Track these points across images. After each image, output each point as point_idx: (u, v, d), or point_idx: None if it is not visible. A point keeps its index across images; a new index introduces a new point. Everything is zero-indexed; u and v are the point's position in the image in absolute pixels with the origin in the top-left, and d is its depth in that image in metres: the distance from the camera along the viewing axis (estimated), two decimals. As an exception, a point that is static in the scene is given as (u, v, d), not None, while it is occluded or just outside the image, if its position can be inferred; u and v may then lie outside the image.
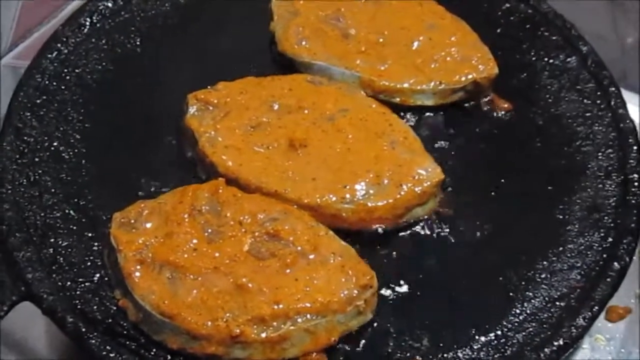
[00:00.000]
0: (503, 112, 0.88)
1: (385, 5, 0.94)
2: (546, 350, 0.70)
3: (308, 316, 0.68)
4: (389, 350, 0.71)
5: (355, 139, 0.81)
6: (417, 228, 0.78)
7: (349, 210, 0.76)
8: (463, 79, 0.87)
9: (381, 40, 0.90)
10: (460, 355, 0.71)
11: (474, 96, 0.89)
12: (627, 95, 1.18)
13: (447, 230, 0.78)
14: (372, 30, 0.91)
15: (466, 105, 0.89)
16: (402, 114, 0.86)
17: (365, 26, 0.91)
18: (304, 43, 0.89)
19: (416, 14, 0.93)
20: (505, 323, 0.72)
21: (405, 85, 0.86)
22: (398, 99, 0.87)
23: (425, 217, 0.79)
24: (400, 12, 0.93)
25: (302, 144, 0.80)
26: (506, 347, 0.71)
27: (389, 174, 0.78)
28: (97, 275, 0.73)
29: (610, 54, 1.41)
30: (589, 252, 0.76)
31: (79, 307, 0.71)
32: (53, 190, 0.79)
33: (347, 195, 0.76)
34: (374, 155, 0.80)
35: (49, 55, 0.89)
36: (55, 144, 0.82)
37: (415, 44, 0.90)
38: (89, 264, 0.74)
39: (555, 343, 0.70)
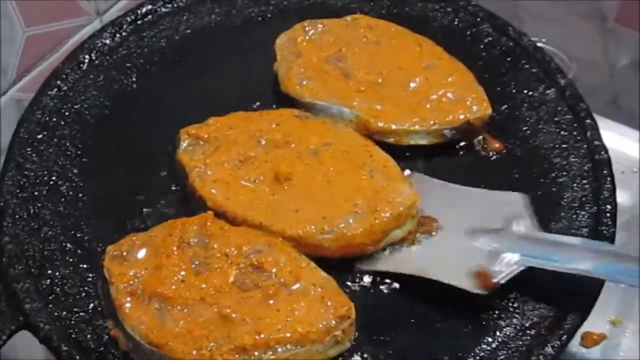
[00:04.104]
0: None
1: (385, 45, 0.96)
2: (516, 377, 0.72)
3: (288, 346, 0.71)
4: (366, 378, 0.74)
5: (336, 171, 0.84)
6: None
7: (329, 239, 0.79)
8: (456, 119, 0.89)
9: (380, 80, 0.92)
10: (434, 381, 0.74)
11: (468, 136, 0.90)
12: (619, 117, 1.22)
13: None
14: (371, 70, 0.93)
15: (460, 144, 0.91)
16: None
17: (365, 66, 0.94)
18: (305, 83, 0.91)
19: (414, 55, 0.95)
20: (477, 351, 0.75)
21: (400, 127, 0.88)
22: (392, 139, 0.88)
23: (405, 239, 0.81)
24: (399, 53, 0.95)
25: (287, 177, 0.82)
26: (478, 374, 0.74)
27: (365, 201, 0.81)
28: (91, 305, 0.77)
29: (601, 77, 1.45)
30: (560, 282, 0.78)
31: (73, 336, 0.74)
32: (51, 223, 0.83)
33: (326, 226, 0.79)
34: (353, 186, 0.82)
35: (49, 92, 0.93)
36: (54, 178, 0.86)
37: (412, 84, 0.92)
38: (83, 294, 0.78)
39: (525, 371, 0.73)
